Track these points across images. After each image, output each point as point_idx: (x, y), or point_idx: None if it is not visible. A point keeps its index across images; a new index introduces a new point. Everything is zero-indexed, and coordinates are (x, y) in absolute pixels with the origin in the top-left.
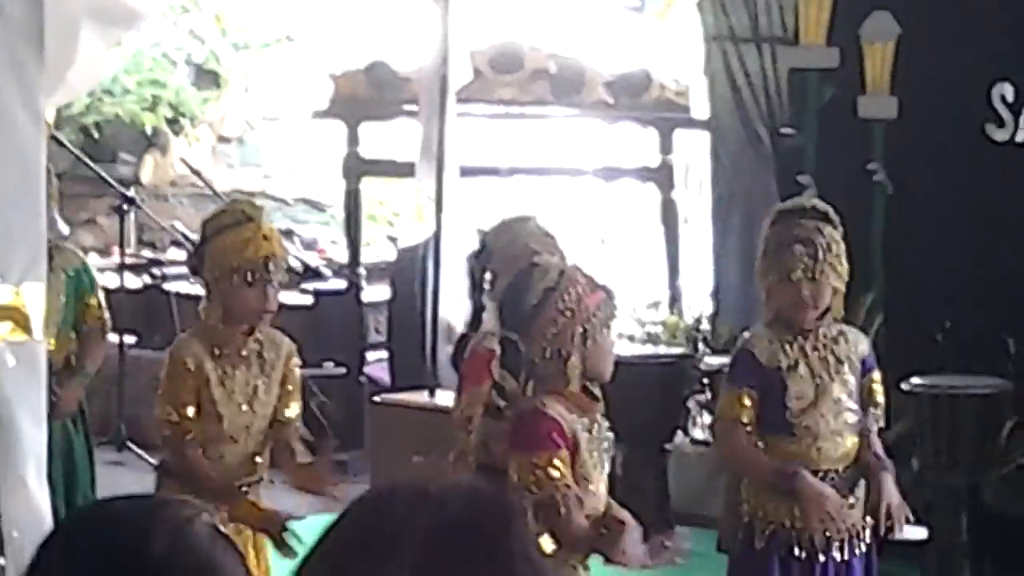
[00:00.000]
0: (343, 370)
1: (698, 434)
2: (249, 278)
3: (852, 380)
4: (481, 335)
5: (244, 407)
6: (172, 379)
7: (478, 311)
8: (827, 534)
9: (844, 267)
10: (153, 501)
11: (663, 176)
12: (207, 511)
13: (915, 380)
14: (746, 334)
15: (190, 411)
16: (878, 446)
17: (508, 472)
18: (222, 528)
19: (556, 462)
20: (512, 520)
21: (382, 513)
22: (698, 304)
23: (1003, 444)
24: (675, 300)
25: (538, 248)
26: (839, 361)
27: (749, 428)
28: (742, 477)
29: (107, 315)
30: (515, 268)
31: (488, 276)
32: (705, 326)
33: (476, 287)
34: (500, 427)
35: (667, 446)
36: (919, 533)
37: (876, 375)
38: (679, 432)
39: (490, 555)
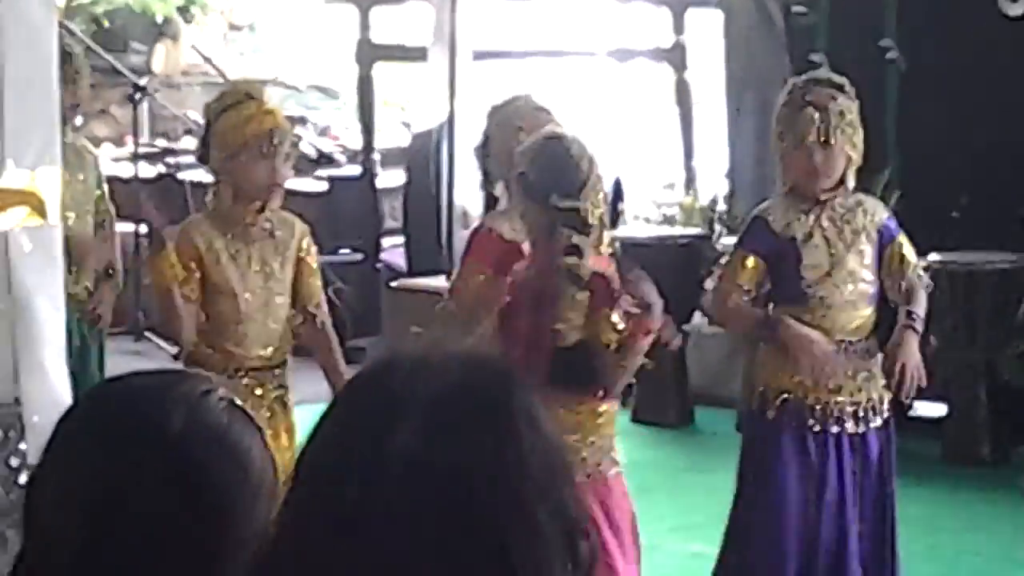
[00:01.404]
0: (359, 256)
1: None
2: (256, 152)
3: (869, 250)
4: (482, 219)
5: (260, 285)
6: (177, 248)
7: (490, 200)
8: (835, 397)
9: (859, 137)
10: (169, 377)
11: (676, 56)
12: (223, 385)
13: (932, 257)
14: (763, 204)
15: (188, 278)
16: (918, 305)
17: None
18: (238, 402)
19: None
20: (513, 383)
21: (383, 385)
22: (713, 184)
23: (1021, 319)
24: (690, 181)
25: (525, 125)
26: (855, 232)
27: (748, 290)
28: (733, 332)
29: (112, 208)
30: (508, 148)
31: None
32: (721, 206)
33: (485, 176)
34: (580, 294)
35: (684, 327)
36: (938, 409)
37: (901, 239)
38: (696, 313)
39: (493, 419)
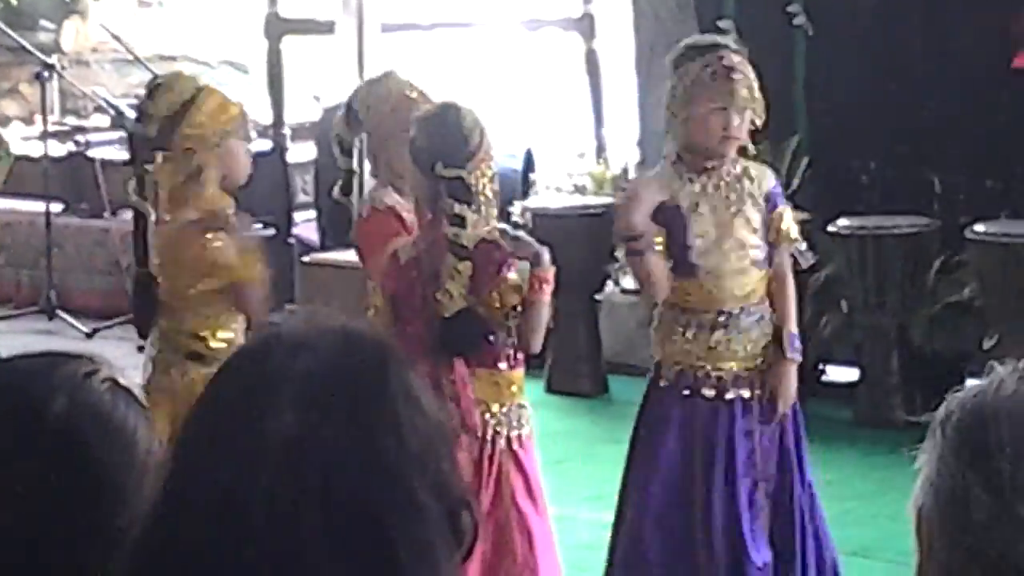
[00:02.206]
0: (272, 231)
1: (628, 283)
2: (241, 137)
3: (756, 217)
4: (368, 197)
5: None
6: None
7: (350, 176)
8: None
9: (760, 101)
10: (51, 359)
11: (585, 26)
12: (106, 365)
13: (841, 222)
14: (649, 173)
15: None
16: (789, 320)
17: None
18: (123, 381)
19: None
20: (390, 361)
21: (258, 364)
22: (624, 153)
23: (931, 283)
24: (601, 150)
25: (415, 96)
26: (741, 199)
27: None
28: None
29: None
30: (395, 120)
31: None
32: (632, 175)
33: (346, 152)
34: (462, 264)
35: (597, 296)
36: (850, 374)
37: (783, 210)
38: (609, 282)
39: (369, 396)
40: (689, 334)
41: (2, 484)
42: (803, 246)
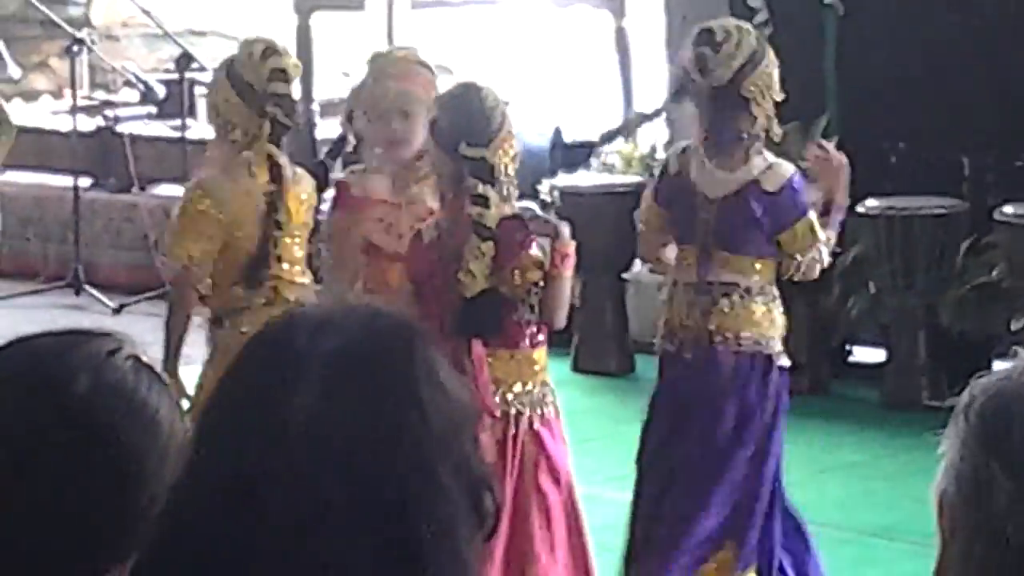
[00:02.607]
0: None
1: None
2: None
3: None
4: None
5: None
6: None
7: (342, 140)
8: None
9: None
10: (75, 337)
11: (616, 3)
12: (129, 343)
13: (870, 202)
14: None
15: None
16: None
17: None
18: (145, 359)
19: None
20: (415, 342)
21: (282, 344)
22: (653, 132)
23: (959, 264)
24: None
25: (397, 74)
26: None
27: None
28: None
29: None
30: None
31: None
32: (660, 154)
33: (349, 121)
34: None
35: (625, 275)
36: (877, 355)
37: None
38: (636, 260)
39: (393, 376)
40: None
41: (25, 462)
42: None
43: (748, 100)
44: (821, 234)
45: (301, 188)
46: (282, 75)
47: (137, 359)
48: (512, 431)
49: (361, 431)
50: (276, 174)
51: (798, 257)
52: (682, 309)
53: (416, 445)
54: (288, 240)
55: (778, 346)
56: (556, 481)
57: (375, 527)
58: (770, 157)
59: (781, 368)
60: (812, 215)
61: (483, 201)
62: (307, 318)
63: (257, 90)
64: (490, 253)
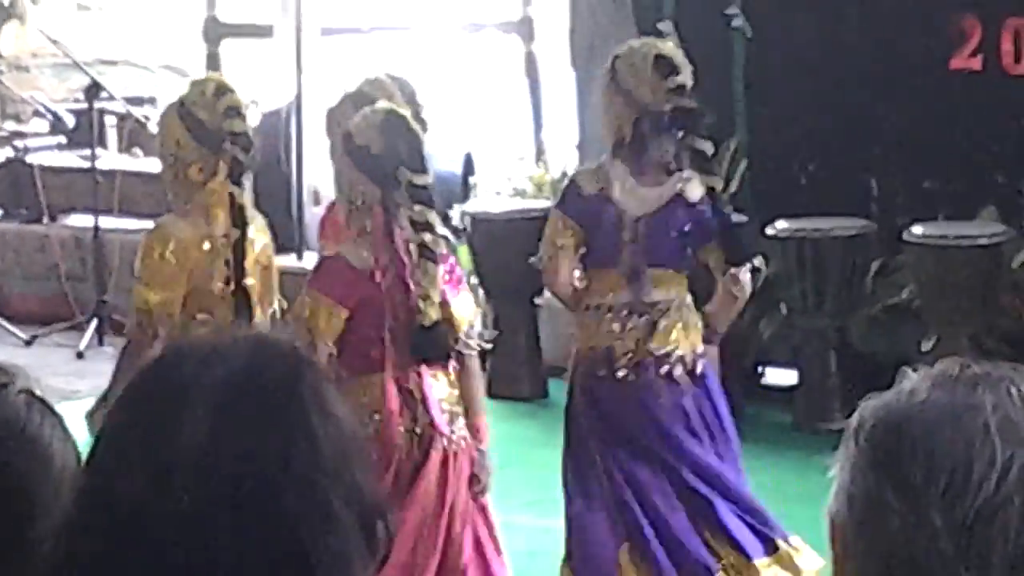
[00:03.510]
0: None
1: None
2: None
3: None
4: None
5: None
6: None
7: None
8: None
9: None
10: None
11: (525, 28)
12: (22, 376)
13: (780, 224)
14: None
15: None
16: None
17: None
18: (38, 392)
19: None
20: (302, 369)
21: (169, 375)
22: (564, 157)
23: (869, 285)
24: (540, 153)
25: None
26: None
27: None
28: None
29: None
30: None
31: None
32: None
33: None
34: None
35: (537, 300)
36: (788, 376)
37: None
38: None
39: (282, 405)
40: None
41: None
42: None
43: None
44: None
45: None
46: (236, 112)
47: (30, 393)
48: (452, 448)
49: (249, 462)
50: (238, 215)
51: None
52: (614, 333)
53: (306, 473)
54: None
55: (701, 347)
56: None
57: (267, 556)
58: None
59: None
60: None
61: (429, 227)
62: (193, 348)
63: (211, 128)
64: (441, 277)
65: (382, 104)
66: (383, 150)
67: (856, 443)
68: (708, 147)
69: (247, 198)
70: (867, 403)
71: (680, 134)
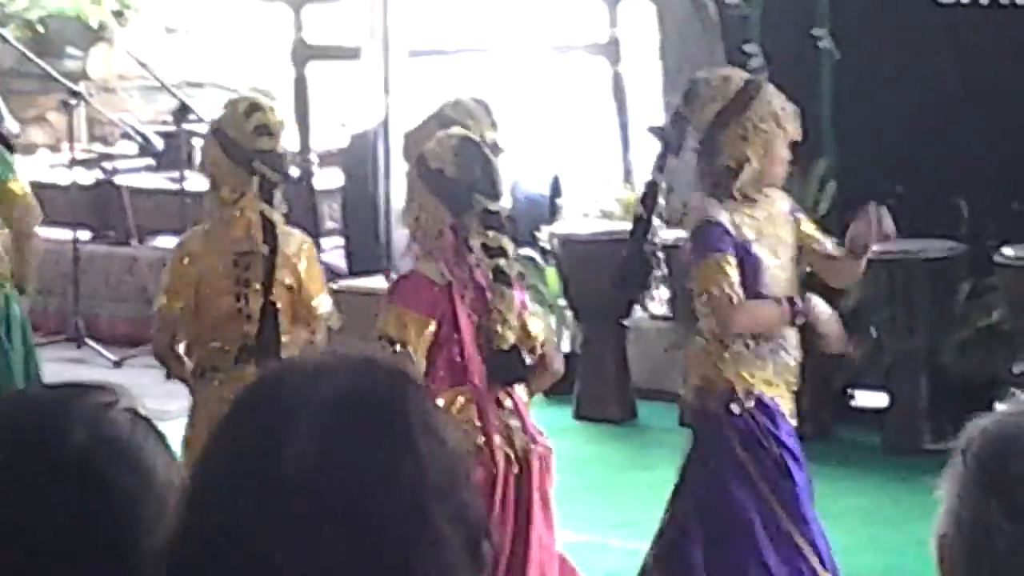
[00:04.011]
0: None
1: (656, 309)
2: None
3: (790, 237)
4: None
5: None
6: None
7: None
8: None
9: None
10: (71, 390)
11: (612, 50)
12: (126, 396)
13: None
14: (708, 212)
15: None
16: None
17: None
18: (143, 412)
19: None
20: (408, 388)
21: (276, 395)
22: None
23: (960, 307)
24: (628, 175)
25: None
26: (780, 224)
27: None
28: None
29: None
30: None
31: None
32: (659, 201)
33: None
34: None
35: (625, 322)
36: (879, 399)
37: (803, 216)
38: (636, 307)
39: (388, 425)
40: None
41: (21, 517)
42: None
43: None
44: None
45: (288, 245)
46: (266, 131)
47: (134, 412)
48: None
49: (357, 482)
50: (269, 232)
51: None
52: (766, 366)
53: (413, 493)
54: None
55: None
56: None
57: None
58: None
59: None
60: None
61: (502, 252)
62: (300, 368)
63: (243, 147)
64: (517, 301)
65: (457, 129)
66: (457, 174)
67: (964, 464)
68: None
69: (277, 216)
70: (974, 424)
71: None
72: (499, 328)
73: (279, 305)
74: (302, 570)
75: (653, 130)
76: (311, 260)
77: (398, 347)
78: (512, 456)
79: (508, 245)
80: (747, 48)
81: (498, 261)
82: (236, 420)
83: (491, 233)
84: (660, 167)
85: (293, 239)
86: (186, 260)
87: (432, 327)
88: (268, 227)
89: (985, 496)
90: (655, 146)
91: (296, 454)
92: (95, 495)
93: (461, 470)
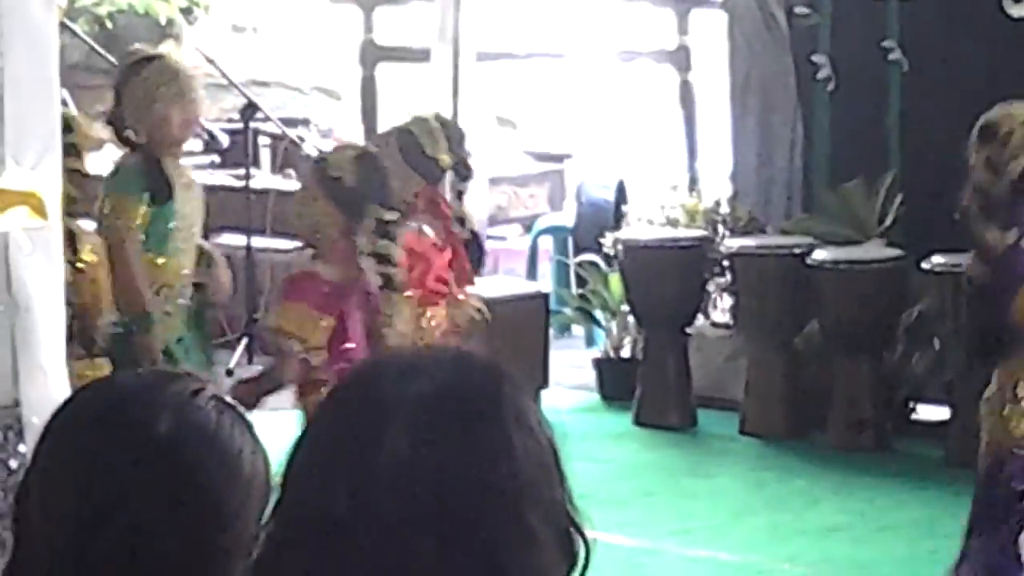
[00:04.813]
0: None
1: (718, 317)
2: None
3: None
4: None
5: None
6: None
7: None
8: None
9: None
10: (158, 376)
11: (680, 58)
12: (212, 382)
13: (935, 259)
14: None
15: None
16: None
17: None
18: (228, 400)
19: None
20: (502, 383)
21: (370, 389)
22: (717, 186)
23: None
24: (694, 183)
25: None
26: None
27: None
28: None
29: None
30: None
31: None
32: (724, 208)
33: None
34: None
35: (687, 329)
36: (941, 412)
37: None
38: (699, 315)
39: (483, 423)
40: None
41: (109, 501)
42: None
43: None
44: None
45: None
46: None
47: (220, 399)
48: None
49: (451, 477)
50: None
51: None
52: None
53: (506, 489)
54: None
55: None
56: None
57: (465, 572)
58: None
59: None
60: None
61: (390, 260)
62: (394, 362)
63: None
64: (408, 307)
65: (360, 143)
66: (355, 184)
67: None
68: None
69: None
70: None
71: None
72: (384, 331)
73: None
74: (396, 570)
75: None
76: None
77: (293, 343)
78: None
79: (396, 253)
80: (815, 59)
81: (387, 269)
82: (330, 414)
83: (382, 242)
84: None
85: None
86: None
87: (325, 323)
88: None
89: None
90: (722, 153)
91: (390, 450)
92: (181, 481)
93: (554, 466)
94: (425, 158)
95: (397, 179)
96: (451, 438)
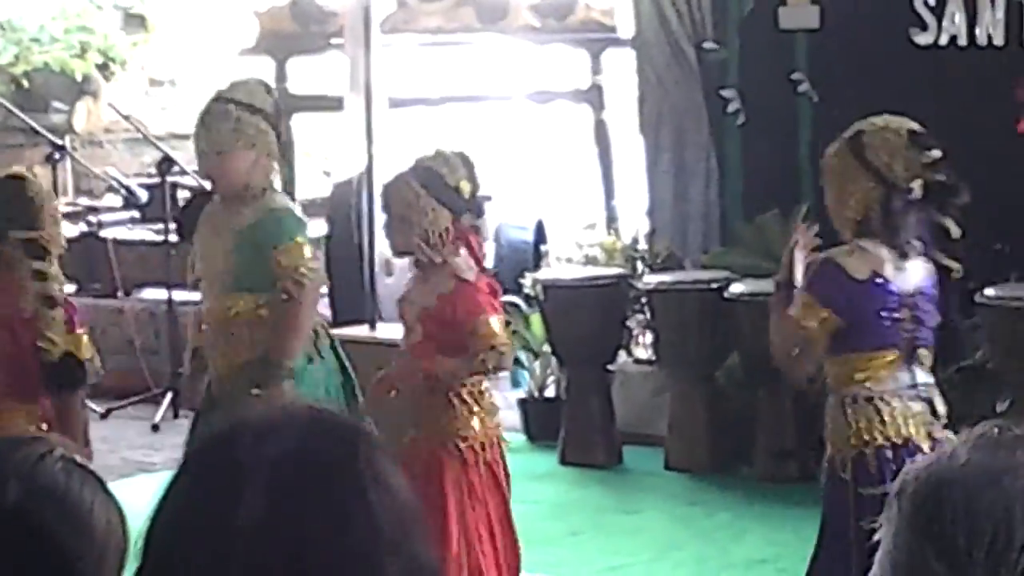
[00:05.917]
0: None
1: (640, 353)
2: None
3: None
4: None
5: None
6: None
7: None
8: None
9: None
10: (3, 445)
11: (594, 97)
12: (62, 444)
13: None
14: None
15: None
16: None
17: None
18: (79, 459)
19: None
20: (359, 442)
21: (226, 452)
22: (634, 223)
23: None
24: (611, 220)
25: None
26: None
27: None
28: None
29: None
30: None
31: None
32: (642, 245)
33: None
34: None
35: (610, 367)
36: None
37: None
38: (621, 352)
39: (340, 480)
40: None
41: None
42: None
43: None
44: None
45: None
46: None
47: (71, 460)
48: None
49: (309, 537)
50: None
51: None
52: (897, 420)
53: (365, 548)
54: None
55: None
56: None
57: None
58: None
59: None
60: None
61: (45, 277)
62: (250, 424)
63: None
64: (63, 320)
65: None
66: None
67: (899, 508)
68: (955, 227)
69: None
70: (909, 467)
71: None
72: (43, 344)
73: None
74: None
75: None
76: None
77: None
78: None
79: (47, 268)
80: (724, 93)
81: (43, 284)
82: (186, 478)
83: (28, 260)
84: None
85: None
86: None
87: None
88: None
89: (919, 539)
90: (637, 193)
91: (247, 514)
92: (33, 546)
93: (413, 521)
94: (447, 188)
95: (425, 215)
96: (308, 499)
